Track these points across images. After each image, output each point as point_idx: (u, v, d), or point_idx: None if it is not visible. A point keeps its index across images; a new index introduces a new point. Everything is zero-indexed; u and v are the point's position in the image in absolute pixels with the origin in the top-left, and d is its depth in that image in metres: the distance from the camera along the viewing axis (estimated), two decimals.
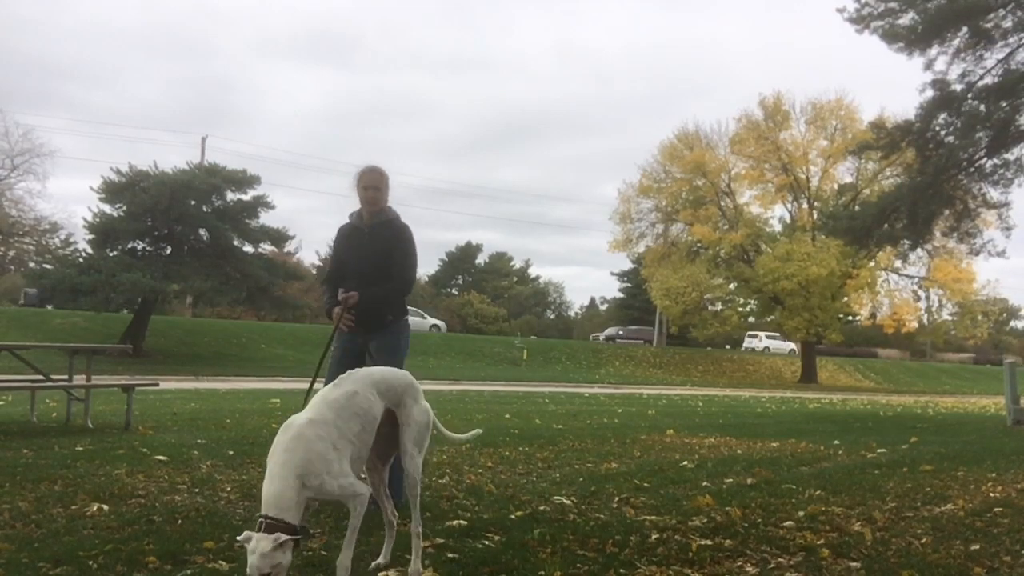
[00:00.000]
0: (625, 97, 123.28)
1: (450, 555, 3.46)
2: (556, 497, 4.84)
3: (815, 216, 39.13)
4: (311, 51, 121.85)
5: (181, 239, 27.41)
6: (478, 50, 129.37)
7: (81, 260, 26.75)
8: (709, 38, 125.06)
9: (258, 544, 2.55)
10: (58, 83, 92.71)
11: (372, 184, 4.30)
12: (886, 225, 15.92)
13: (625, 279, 67.02)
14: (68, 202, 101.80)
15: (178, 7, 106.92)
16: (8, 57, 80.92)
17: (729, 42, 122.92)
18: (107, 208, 26.83)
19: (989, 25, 13.96)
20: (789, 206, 41.46)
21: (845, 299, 39.23)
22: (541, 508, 4.54)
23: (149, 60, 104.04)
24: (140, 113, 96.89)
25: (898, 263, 36.13)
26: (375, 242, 4.26)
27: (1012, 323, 77.52)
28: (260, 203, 28.10)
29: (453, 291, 76.07)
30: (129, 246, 27.27)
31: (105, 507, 4.14)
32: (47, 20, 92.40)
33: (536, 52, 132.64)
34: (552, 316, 79.54)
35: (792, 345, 49.54)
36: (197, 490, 4.71)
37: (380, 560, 3.30)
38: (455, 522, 4.07)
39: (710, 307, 42.26)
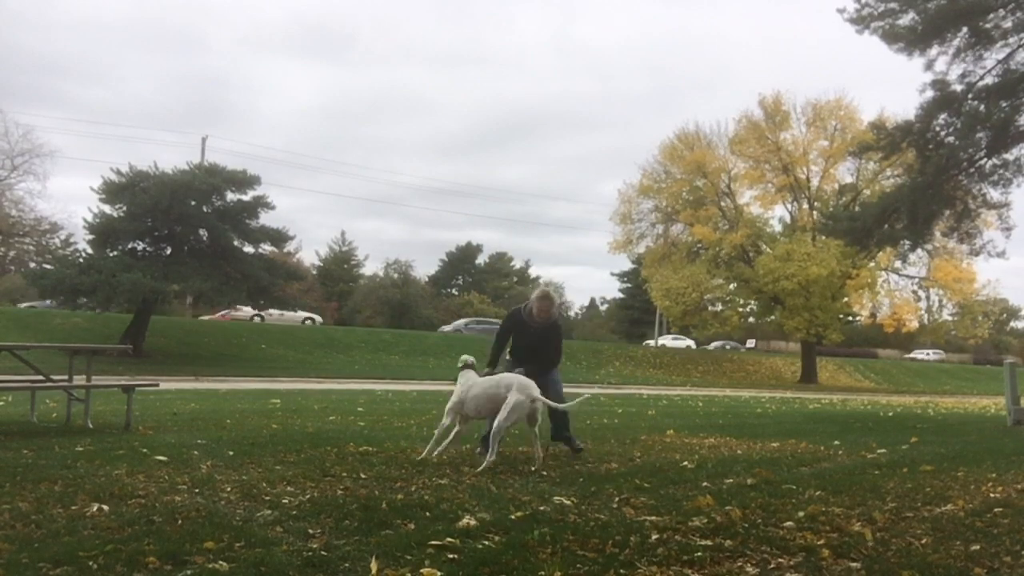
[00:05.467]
0: (626, 94, 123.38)
1: (450, 555, 3.47)
2: (556, 497, 4.84)
3: (815, 216, 39.12)
4: (306, 47, 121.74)
5: (181, 239, 27.41)
6: (476, 46, 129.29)
7: (81, 260, 26.74)
8: (710, 34, 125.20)
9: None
10: (53, 80, 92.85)
11: (545, 309, 6.79)
12: (886, 225, 15.90)
13: (625, 279, 67.08)
14: (68, 202, 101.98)
15: (171, 1, 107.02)
16: (2, 53, 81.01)
17: (731, 39, 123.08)
18: (107, 208, 26.85)
19: (989, 25, 13.96)
20: (789, 206, 41.50)
21: (845, 299, 39.24)
22: (541, 508, 4.54)
23: (144, 56, 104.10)
24: (137, 110, 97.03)
25: (898, 263, 36.18)
26: (540, 336, 6.84)
27: (1012, 323, 77.64)
28: (260, 203, 28.09)
29: (453, 291, 76.04)
30: (129, 246, 27.27)
31: (105, 507, 4.14)
32: (40, 15, 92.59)
33: (535, 48, 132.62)
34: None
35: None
36: (197, 490, 4.71)
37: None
38: (456, 523, 4.07)
39: (710, 307, 42.27)
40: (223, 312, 40.86)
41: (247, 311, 43.54)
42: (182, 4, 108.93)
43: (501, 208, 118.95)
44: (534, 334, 6.78)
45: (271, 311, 43.37)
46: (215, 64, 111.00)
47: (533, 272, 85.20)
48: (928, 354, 61.43)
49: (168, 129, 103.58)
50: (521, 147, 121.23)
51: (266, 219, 28.62)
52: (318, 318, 46.95)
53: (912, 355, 61.90)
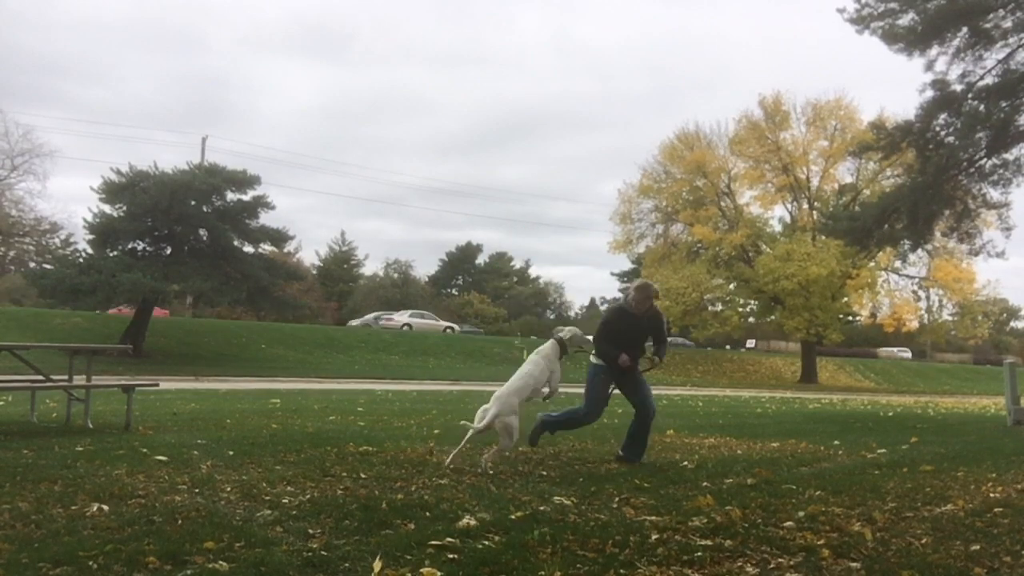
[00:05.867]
0: (626, 94, 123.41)
1: (450, 555, 3.46)
2: (556, 497, 4.84)
3: (815, 216, 39.14)
4: (306, 47, 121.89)
5: (181, 239, 27.41)
6: (476, 46, 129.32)
7: (81, 260, 26.75)
8: (710, 34, 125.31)
9: None
10: (53, 80, 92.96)
11: (643, 300, 6.87)
12: (886, 225, 15.90)
13: (625, 279, 67.03)
14: (68, 202, 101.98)
15: (171, 1, 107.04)
16: (2, 53, 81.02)
17: (731, 39, 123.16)
18: (107, 208, 26.85)
19: (989, 25, 13.96)
20: (789, 206, 41.54)
21: (845, 299, 39.25)
22: (541, 508, 4.54)
23: (144, 56, 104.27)
24: (137, 110, 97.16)
25: (898, 263, 36.23)
26: (643, 325, 6.94)
27: (1012, 323, 77.68)
28: (260, 203, 28.09)
29: (453, 291, 76.07)
30: (129, 246, 27.27)
31: (105, 507, 4.13)
32: (40, 15, 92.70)
33: (535, 48, 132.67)
34: (552, 316, 79.49)
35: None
36: (197, 490, 4.70)
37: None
38: (456, 523, 4.07)
39: (710, 307, 42.28)
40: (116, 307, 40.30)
41: (398, 319, 43.65)
42: (182, 4, 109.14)
43: (501, 208, 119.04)
44: (644, 323, 6.97)
45: (413, 320, 43.56)
46: (215, 64, 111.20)
47: (533, 272, 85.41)
48: (895, 351, 62.27)
49: (168, 129, 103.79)
50: (521, 147, 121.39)
51: (266, 219, 28.67)
52: (457, 327, 47.34)
53: (880, 349, 62.60)
